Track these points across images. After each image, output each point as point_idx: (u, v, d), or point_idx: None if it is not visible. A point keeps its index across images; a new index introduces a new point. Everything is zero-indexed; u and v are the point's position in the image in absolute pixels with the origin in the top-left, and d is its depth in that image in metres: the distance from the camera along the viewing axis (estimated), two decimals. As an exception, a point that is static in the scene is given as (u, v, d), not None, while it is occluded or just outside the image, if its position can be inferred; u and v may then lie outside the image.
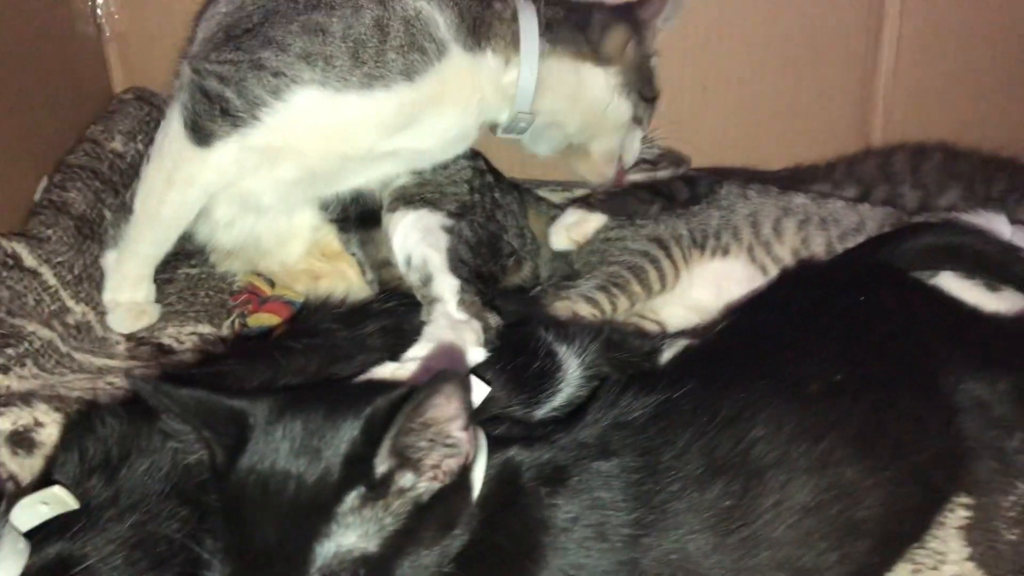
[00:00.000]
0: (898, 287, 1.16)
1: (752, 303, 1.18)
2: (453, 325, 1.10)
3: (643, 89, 1.41)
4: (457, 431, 0.74)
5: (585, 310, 1.29)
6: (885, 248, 1.26)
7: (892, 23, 1.67)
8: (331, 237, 1.38)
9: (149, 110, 1.57)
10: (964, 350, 1.04)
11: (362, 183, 1.31)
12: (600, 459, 0.85)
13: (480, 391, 0.92)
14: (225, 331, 1.30)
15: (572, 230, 1.42)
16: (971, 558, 0.96)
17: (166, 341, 1.27)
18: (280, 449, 0.73)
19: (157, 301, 1.35)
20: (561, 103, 1.36)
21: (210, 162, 1.22)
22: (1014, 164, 1.61)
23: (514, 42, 1.28)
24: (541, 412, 1.05)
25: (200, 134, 1.21)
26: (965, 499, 1.03)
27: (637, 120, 1.43)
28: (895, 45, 1.68)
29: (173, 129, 1.24)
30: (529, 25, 1.29)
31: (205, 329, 1.31)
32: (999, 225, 1.34)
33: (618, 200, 1.45)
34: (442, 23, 1.22)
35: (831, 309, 1.08)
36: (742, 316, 1.13)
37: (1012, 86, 1.71)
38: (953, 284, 1.25)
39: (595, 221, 1.42)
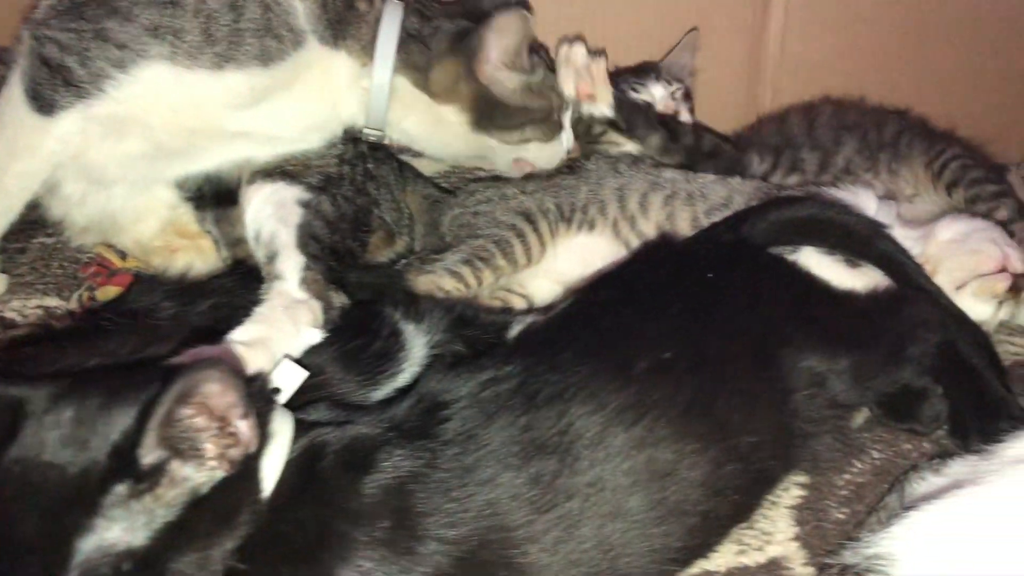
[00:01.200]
0: (750, 263, 1.15)
1: (600, 280, 1.16)
2: (289, 305, 1.06)
3: (504, 120, 1.35)
4: (236, 419, 0.72)
5: (450, 284, 1.27)
6: (746, 223, 1.24)
7: (780, -7, 1.65)
8: (187, 215, 1.34)
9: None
10: (808, 329, 1.04)
11: (217, 163, 1.26)
12: (410, 441, 0.83)
13: (294, 376, 0.90)
14: (73, 304, 1.26)
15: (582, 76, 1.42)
16: (797, 538, 0.96)
17: (8, 315, 1.22)
18: (48, 439, 0.70)
19: (6, 271, 1.30)
20: (415, 129, 1.33)
21: (52, 132, 1.17)
22: (896, 112, 1.61)
23: (371, 48, 1.24)
24: (381, 393, 1.03)
25: (41, 102, 1.16)
26: (801, 478, 1.04)
27: (528, 140, 1.39)
28: (783, 16, 1.67)
29: (15, 96, 1.18)
30: (386, 35, 1.24)
31: (53, 302, 1.26)
32: (865, 200, 1.34)
33: (631, 108, 1.44)
34: (301, 12, 1.18)
35: (676, 286, 1.07)
36: (587, 293, 1.11)
37: (898, 57, 1.71)
38: (813, 260, 1.24)
39: (604, 96, 1.43)
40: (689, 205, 1.35)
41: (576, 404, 0.88)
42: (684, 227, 1.33)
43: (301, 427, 0.83)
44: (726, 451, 0.91)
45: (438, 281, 1.26)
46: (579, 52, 1.42)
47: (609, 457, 0.86)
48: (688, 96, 1.57)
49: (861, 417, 1.14)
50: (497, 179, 1.47)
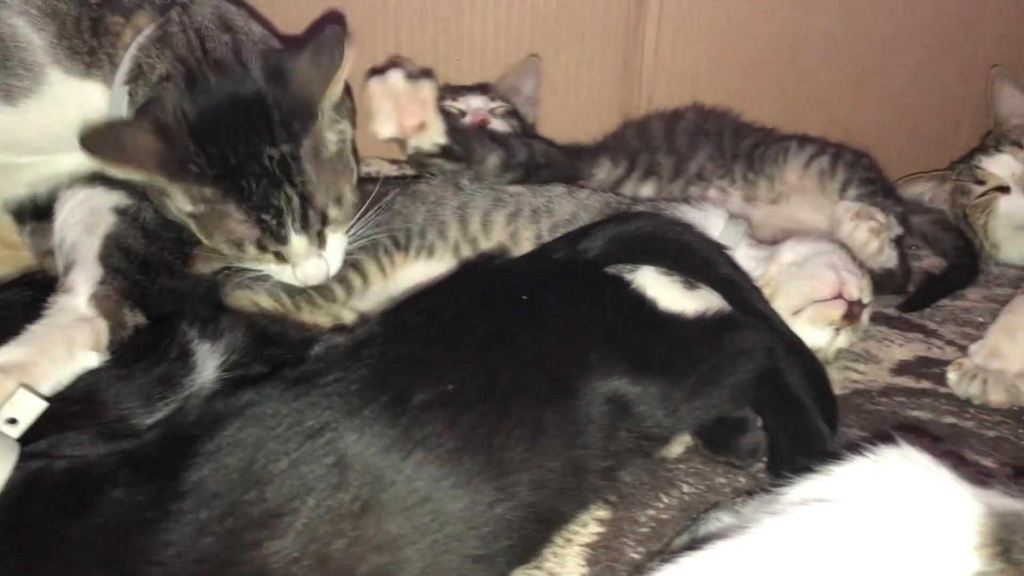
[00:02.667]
0: (572, 283, 1.11)
1: (409, 301, 1.10)
2: (70, 324, 0.99)
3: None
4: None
5: (266, 303, 1.21)
6: (583, 240, 1.20)
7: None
8: (9, 226, 1.27)
9: None
10: (618, 353, 0.99)
11: (20, 188, 1.19)
12: (142, 479, 0.77)
13: (31, 406, 0.84)
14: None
15: (405, 108, 1.26)
16: (585, 580, 0.91)
17: None
18: None
19: None
20: None
21: None
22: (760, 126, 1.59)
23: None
24: (157, 417, 0.97)
25: None
26: (603, 512, 0.99)
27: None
28: (656, 24, 1.63)
29: None
30: (126, 64, 1.09)
31: None
32: (713, 219, 1.30)
33: (463, 133, 1.32)
34: (37, 44, 1.07)
35: (482, 310, 1.02)
36: (393, 315, 1.05)
37: (773, 68, 1.68)
38: (651, 279, 1.20)
39: (437, 122, 1.28)
40: (534, 223, 1.30)
41: (344, 437, 0.83)
42: (527, 245, 1.28)
43: (26, 460, 0.77)
44: (502, 489, 0.86)
45: (255, 298, 1.20)
46: (397, 80, 1.26)
47: (376, 495, 0.81)
48: (514, 115, 1.52)
49: (680, 447, 1.10)
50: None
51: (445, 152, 1.29)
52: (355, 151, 1.18)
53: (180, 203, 1.06)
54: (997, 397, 1.17)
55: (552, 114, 1.67)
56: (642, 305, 1.12)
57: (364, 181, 1.24)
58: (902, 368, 1.27)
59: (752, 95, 1.67)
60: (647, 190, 1.46)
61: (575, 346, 0.98)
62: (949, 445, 1.09)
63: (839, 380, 1.23)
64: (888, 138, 1.72)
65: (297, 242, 1.08)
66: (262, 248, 1.08)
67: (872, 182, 1.44)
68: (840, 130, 1.67)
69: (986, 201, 1.55)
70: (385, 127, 1.27)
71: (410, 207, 1.30)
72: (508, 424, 0.89)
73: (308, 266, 1.11)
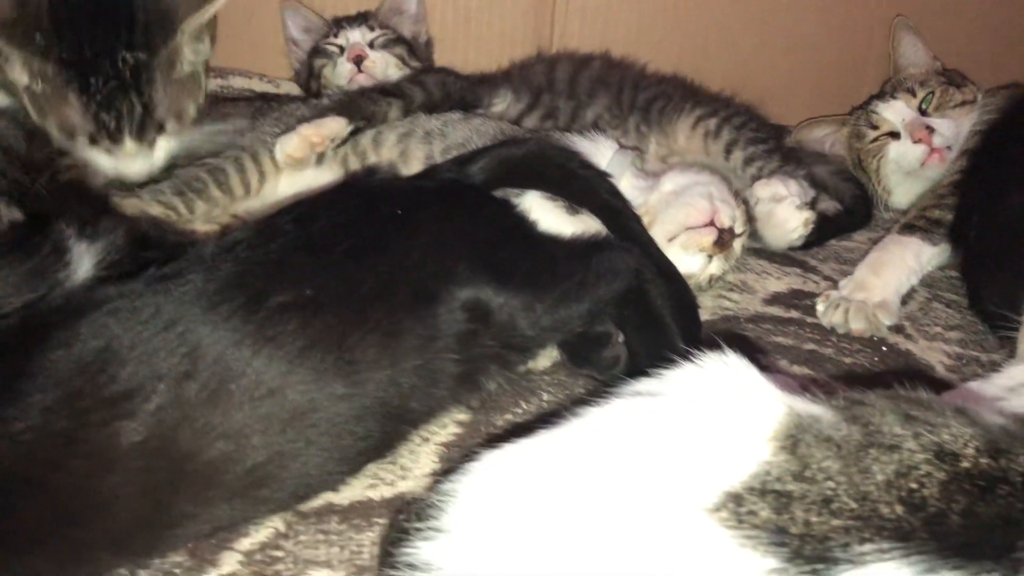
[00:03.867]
0: (452, 202, 1.13)
1: (286, 209, 1.12)
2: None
3: None
4: None
5: (157, 210, 1.22)
6: (471, 163, 1.23)
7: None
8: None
9: None
10: (484, 265, 1.02)
11: None
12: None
13: None
14: None
15: (310, 132, 1.29)
16: (433, 475, 0.95)
17: None
18: None
19: None
20: None
21: None
22: (670, 78, 1.61)
23: None
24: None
25: None
26: (463, 415, 1.03)
27: None
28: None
29: None
30: None
31: None
32: (602, 148, 1.34)
33: (350, 103, 1.35)
34: None
35: (356, 222, 1.04)
36: (268, 221, 1.08)
37: (685, 11, 1.70)
38: (535, 203, 1.23)
39: (333, 123, 1.30)
40: (425, 143, 1.32)
41: (199, 331, 0.86)
42: (417, 166, 1.31)
43: None
44: (352, 386, 0.89)
45: (144, 206, 1.21)
46: (314, 138, 1.28)
47: (223, 386, 0.85)
48: (398, 42, 1.53)
49: (548, 361, 1.14)
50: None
51: (352, 135, 1.32)
52: (208, 68, 1.19)
53: (17, 74, 1.07)
54: (857, 325, 1.23)
55: (465, 44, 1.68)
56: (519, 225, 1.15)
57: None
58: (775, 299, 1.33)
59: (662, 34, 1.70)
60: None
61: (443, 259, 1.01)
62: (774, 360, 1.14)
63: (711, 307, 1.28)
64: (795, 82, 1.77)
65: (129, 146, 1.12)
66: (93, 142, 1.10)
67: (761, 142, 1.47)
68: (746, 73, 1.71)
69: (878, 146, 1.59)
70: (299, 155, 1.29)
71: (308, 117, 1.32)
72: (363, 328, 0.92)
73: (133, 164, 1.17)
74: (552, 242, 1.15)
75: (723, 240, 1.22)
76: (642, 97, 1.51)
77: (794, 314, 1.29)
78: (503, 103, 1.50)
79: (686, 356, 1.02)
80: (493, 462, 0.76)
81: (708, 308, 1.28)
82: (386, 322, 0.94)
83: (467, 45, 1.68)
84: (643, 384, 0.79)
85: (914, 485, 0.67)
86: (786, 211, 1.37)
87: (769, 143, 1.49)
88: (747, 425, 0.72)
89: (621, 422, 0.76)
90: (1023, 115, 1.38)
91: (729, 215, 1.23)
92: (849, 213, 1.58)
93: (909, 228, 1.37)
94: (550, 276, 1.07)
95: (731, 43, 1.72)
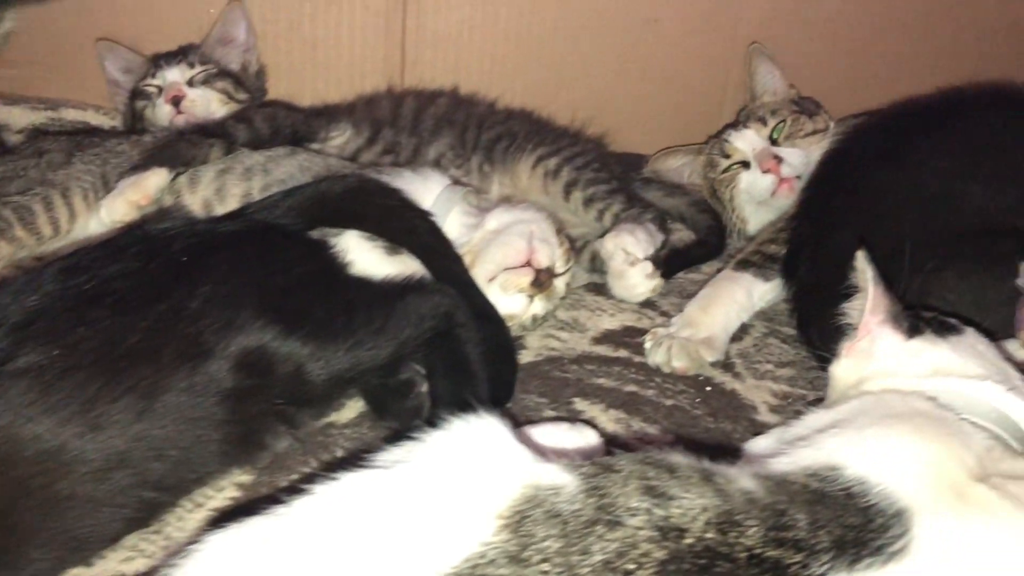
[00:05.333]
0: (248, 245, 1.09)
1: (53, 262, 1.06)
2: None
3: None
4: None
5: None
6: (284, 202, 1.18)
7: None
8: None
9: None
10: (276, 315, 0.99)
11: None
12: None
13: None
14: None
15: (133, 194, 1.24)
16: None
17: None
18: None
19: None
20: None
21: None
22: (519, 114, 1.58)
23: None
24: None
25: None
26: (245, 477, 0.98)
27: None
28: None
29: None
30: None
31: None
32: (430, 184, 1.31)
33: (169, 150, 1.31)
34: None
35: (129, 273, 0.99)
36: (29, 275, 1.02)
37: (536, 34, 1.67)
38: (353, 243, 1.19)
39: (155, 177, 1.26)
40: (244, 180, 1.28)
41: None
42: (234, 203, 1.27)
43: None
44: (101, 453, 0.84)
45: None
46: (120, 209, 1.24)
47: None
48: (222, 76, 1.49)
49: (352, 411, 1.10)
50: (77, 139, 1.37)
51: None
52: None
53: None
54: (679, 363, 1.21)
55: (312, 73, 1.64)
56: (325, 268, 1.12)
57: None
58: (605, 337, 1.30)
59: (515, 63, 1.67)
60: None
61: (226, 308, 0.97)
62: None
63: (537, 347, 1.25)
64: (653, 110, 1.75)
65: None
66: None
67: (603, 182, 1.45)
68: (602, 101, 1.69)
69: (731, 176, 1.58)
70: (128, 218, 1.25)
71: (127, 151, 1.30)
72: (117, 388, 0.87)
73: None
74: (359, 285, 1.11)
75: (540, 281, 1.19)
76: (486, 136, 1.48)
77: (622, 353, 1.26)
78: (342, 137, 1.46)
79: (485, 407, 1.01)
80: (211, 546, 0.71)
81: (534, 349, 1.25)
82: (147, 381, 0.89)
83: (314, 74, 1.63)
84: (387, 453, 0.76)
85: (631, 566, 0.64)
86: (636, 277, 1.35)
87: (612, 183, 1.47)
88: (477, 501, 0.69)
89: (348, 500, 0.71)
90: (855, 147, 1.37)
91: (548, 255, 1.20)
92: (701, 244, 1.56)
93: (743, 264, 1.36)
94: (346, 322, 1.03)
95: (586, 71, 1.70)
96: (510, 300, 1.20)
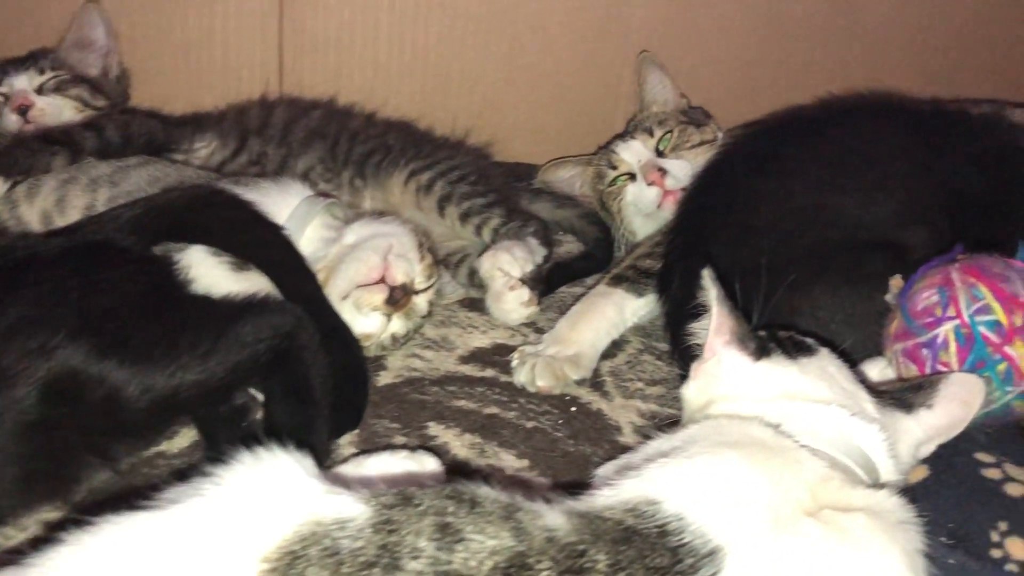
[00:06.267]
0: (68, 264, 1.02)
1: None
2: None
3: None
4: None
5: None
6: (121, 216, 1.12)
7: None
8: None
9: None
10: (94, 341, 0.92)
11: None
12: None
13: None
14: None
15: None
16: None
17: None
18: None
19: None
20: None
21: None
22: (398, 126, 1.53)
23: None
24: None
25: None
26: (54, 514, 0.91)
27: None
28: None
29: None
30: None
31: None
32: (286, 198, 1.24)
33: (5, 158, 1.23)
34: None
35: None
36: None
37: (421, 41, 1.62)
38: (198, 259, 1.13)
39: None
40: (88, 192, 1.21)
41: None
42: (75, 215, 1.20)
43: None
44: None
45: None
46: None
47: None
48: (75, 81, 1.42)
49: (186, 439, 1.03)
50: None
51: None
52: None
53: None
54: (543, 382, 1.16)
55: (186, 78, 1.57)
56: (156, 286, 1.05)
57: None
58: (473, 356, 1.25)
59: (400, 70, 1.62)
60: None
61: (36, 332, 0.90)
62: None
63: (398, 368, 1.20)
64: (543, 119, 1.72)
65: None
66: None
67: (479, 195, 1.40)
68: (490, 110, 1.64)
69: (618, 188, 1.54)
70: None
71: None
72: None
73: None
74: (195, 304, 1.05)
75: (396, 298, 1.14)
76: (358, 150, 1.43)
77: (489, 373, 1.21)
78: (207, 148, 1.39)
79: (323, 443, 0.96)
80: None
81: (394, 370, 1.19)
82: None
83: (188, 80, 1.57)
84: (170, 492, 0.70)
85: (400, 618, 0.59)
86: (512, 303, 1.31)
87: (490, 196, 1.42)
88: (240, 544, 0.63)
89: (117, 543, 0.65)
90: (731, 158, 1.33)
91: (404, 271, 1.15)
92: (586, 258, 1.52)
93: (616, 279, 1.32)
94: (170, 344, 0.96)
95: (473, 79, 1.65)
96: (365, 319, 1.15)
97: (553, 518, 0.69)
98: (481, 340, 1.28)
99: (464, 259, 1.40)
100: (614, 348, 1.28)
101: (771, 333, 0.96)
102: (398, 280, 1.13)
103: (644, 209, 1.51)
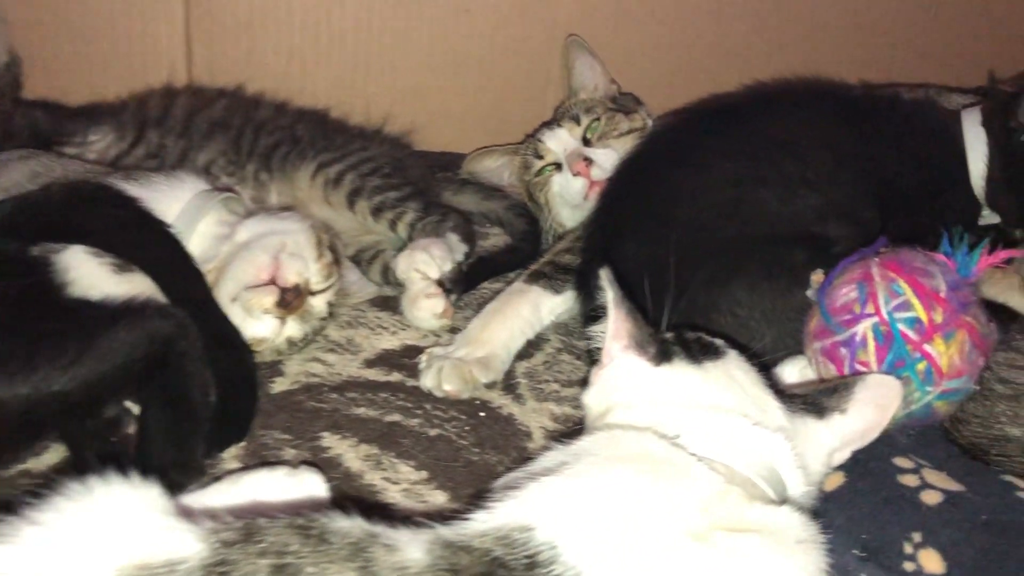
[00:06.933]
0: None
1: None
2: None
3: None
4: None
5: None
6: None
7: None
8: None
9: None
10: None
11: None
12: None
13: None
14: None
15: None
16: None
17: None
18: None
19: None
20: None
21: None
22: (310, 116, 1.46)
23: None
24: None
25: None
26: None
27: None
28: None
29: None
30: None
31: None
32: (177, 192, 1.17)
33: None
34: None
35: None
36: None
37: (337, 25, 1.55)
38: (77, 260, 1.04)
39: None
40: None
41: None
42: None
43: None
44: None
45: None
46: None
47: None
48: None
49: (57, 454, 0.96)
50: None
51: None
52: None
53: None
54: (449, 386, 1.09)
55: (87, 66, 1.49)
56: (21, 291, 0.97)
57: None
58: (380, 359, 1.18)
59: (314, 56, 1.54)
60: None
61: None
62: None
63: (296, 373, 1.13)
64: (469, 107, 1.65)
65: None
66: None
67: (393, 188, 1.33)
68: (411, 97, 1.57)
69: (545, 179, 1.48)
70: None
71: None
72: None
73: None
74: (64, 310, 0.97)
75: (287, 300, 1.07)
76: (264, 142, 1.35)
77: (395, 377, 1.15)
78: (103, 140, 1.31)
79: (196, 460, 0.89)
80: None
81: (291, 376, 1.12)
82: None
83: (89, 69, 1.48)
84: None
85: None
86: (425, 311, 1.23)
87: (405, 189, 1.35)
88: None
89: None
90: (652, 148, 1.27)
91: (297, 271, 1.08)
92: (511, 251, 1.46)
93: (534, 276, 1.25)
94: (29, 354, 0.89)
95: (393, 65, 1.58)
96: (257, 322, 1.08)
97: (412, 551, 0.63)
98: (390, 342, 1.22)
99: (378, 255, 1.33)
100: (531, 348, 1.22)
101: (679, 334, 0.90)
102: (290, 281, 1.06)
103: (571, 200, 1.44)
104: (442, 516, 0.71)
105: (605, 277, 0.87)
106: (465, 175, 1.58)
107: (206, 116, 1.36)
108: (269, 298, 1.05)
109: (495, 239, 1.51)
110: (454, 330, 1.24)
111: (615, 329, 0.86)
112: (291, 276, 1.06)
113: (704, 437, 0.79)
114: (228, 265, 1.08)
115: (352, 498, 0.89)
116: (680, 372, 0.85)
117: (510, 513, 0.69)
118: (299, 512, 0.66)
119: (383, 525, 0.67)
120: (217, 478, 0.91)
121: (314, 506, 0.86)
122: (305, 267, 1.09)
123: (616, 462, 0.75)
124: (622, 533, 0.67)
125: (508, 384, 1.15)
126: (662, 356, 0.85)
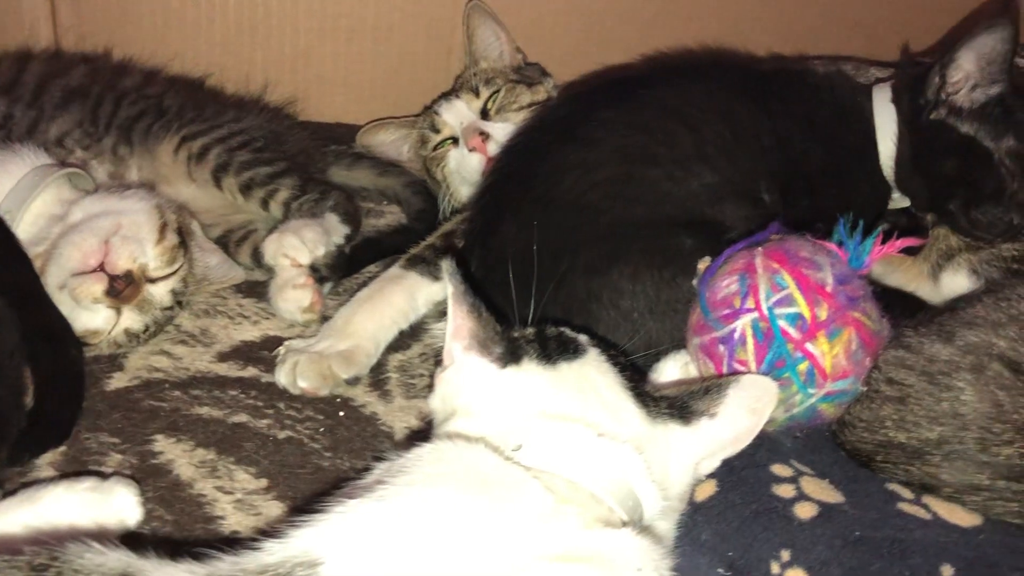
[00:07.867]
0: None
1: None
2: None
3: None
4: None
5: None
6: None
7: None
8: None
9: None
10: None
11: None
12: None
13: None
14: None
15: None
16: None
17: None
18: None
19: None
20: None
21: None
22: (181, 85, 1.34)
23: None
24: None
25: None
26: None
27: None
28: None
29: None
30: None
31: None
32: (9, 166, 1.07)
33: None
34: None
35: None
36: None
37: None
38: None
39: None
40: None
41: None
42: None
43: None
44: None
45: None
46: None
47: None
48: None
49: None
50: None
51: None
52: None
53: None
54: (305, 383, 1.00)
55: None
56: None
57: None
58: (235, 352, 1.08)
59: (194, 19, 1.44)
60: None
61: None
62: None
63: (137, 368, 1.03)
64: (365, 75, 1.54)
65: None
66: None
67: (265, 163, 1.23)
68: (302, 64, 1.47)
69: (442, 154, 1.38)
70: None
71: None
72: None
73: None
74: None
75: (118, 289, 0.96)
76: (125, 114, 1.23)
77: (249, 372, 1.05)
78: None
79: None
80: None
81: (131, 371, 1.02)
82: None
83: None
84: None
85: None
86: (291, 303, 1.13)
87: (278, 164, 1.25)
88: None
89: None
90: (539, 123, 1.17)
91: (130, 256, 0.98)
92: (403, 232, 1.36)
93: (412, 261, 1.15)
94: None
95: (281, 28, 1.47)
96: (89, 313, 0.98)
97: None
98: (250, 332, 1.12)
99: (248, 236, 1.23)
100: (407, 339, 1.12)
101: (539, 331, 0.82)
102: (120, 267, 0.96)
103: (468, 177, 1.35)
104: (265, 535, 0.63)
105: (446, 268, 0.78)
106: (360, 148, 1.48)
107: (61, 84, 1.24)
108: (97, 286, 0.95)
109: (391, 218, 1.42)
110: (326, 317, 1.15)
111: (455, 327, 0.77)
112: (122, 262, 0.96)
113: (545, 449, 0.71)
114: (55, 249, 0.97)
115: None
116: (527, 375, 0.76)
117: (300, 543, 0.60)
118: (61, 541, 0.58)
119: (153, 557, 0.59)
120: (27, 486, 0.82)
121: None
122: (141, 251, 0.98)
123: (436, 481, 0.66)
124: (423, 570, 0.59)
125: (376, 380, 1.06)
126: (509, 357, 0.77)
